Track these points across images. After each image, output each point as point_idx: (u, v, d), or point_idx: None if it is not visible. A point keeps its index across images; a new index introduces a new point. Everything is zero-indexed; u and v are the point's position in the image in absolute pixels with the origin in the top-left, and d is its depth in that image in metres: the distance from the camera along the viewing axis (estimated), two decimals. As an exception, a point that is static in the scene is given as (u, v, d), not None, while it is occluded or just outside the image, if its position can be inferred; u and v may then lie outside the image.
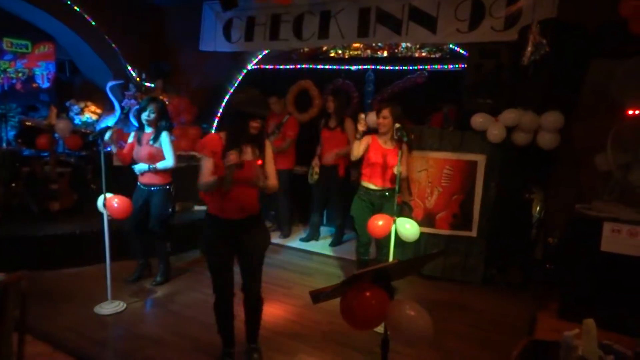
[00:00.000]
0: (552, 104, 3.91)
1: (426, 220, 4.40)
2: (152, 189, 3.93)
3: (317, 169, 5.27)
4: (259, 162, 2.69)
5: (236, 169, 2.49)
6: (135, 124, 4.16)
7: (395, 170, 3.57)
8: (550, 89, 3.88)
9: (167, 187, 3.98)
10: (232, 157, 2.45)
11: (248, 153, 2.63)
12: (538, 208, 4.42)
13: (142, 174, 3.91)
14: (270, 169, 2.76)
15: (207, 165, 2.61)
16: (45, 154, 5.01)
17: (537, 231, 4.43)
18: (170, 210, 4.06)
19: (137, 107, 4.18)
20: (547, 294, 3.87)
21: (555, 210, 4.33)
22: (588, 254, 3.48)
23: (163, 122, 3.88)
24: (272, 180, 2.76)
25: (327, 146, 5.19)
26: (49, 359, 2.94)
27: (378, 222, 3.57)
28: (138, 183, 3.98)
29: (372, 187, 3.83)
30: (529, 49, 3.73)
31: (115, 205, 3.61)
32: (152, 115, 3.81)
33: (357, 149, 3.77)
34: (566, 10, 3.99)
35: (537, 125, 3.97)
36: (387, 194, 3.81)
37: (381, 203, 3.81)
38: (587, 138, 4.09)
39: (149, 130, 3.87)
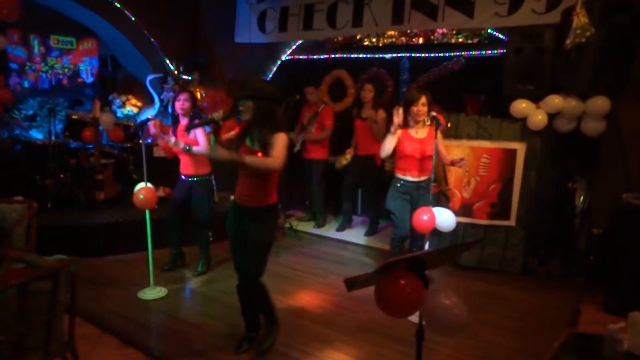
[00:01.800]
0: (598, 88, 3.73)
1: (463, 210, 4.32)
2: (194, 179, 4.02)
3: (348, 156, 5.22)
4: (259, 153, 2.63)
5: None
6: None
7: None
8: (596, 73, 3.70)
9: (208, 177, 4.08)
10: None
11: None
12: (582, 198, 4.25)
13: (183, 162, 3.99)
14: (276, 152, 2.59)
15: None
16: (91, 146, 5.23)
17: (581, 221, 4.26)
18: (211, 200, 4.16)
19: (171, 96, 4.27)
20: (591, 286, 3.74)
21: (600, 200, 4.15)
22: (636, 246, 3.33)
23: (195, 111, 3.97)
24: (270, 160, 2.57)
25: (361, 136, 5.16)
26: (96, 340, 3.10)
27: (423, 217, 3.52)
28: (181, 176, 4.08)
29: (409, 179, 3.73)
30: (573, 31, 3.56)
31: (142, 197, 3.68)
32: (187, 104, 3.91)
33: (390, 145, 3.63)
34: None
35: (582, 111, 3.81)
36: (424, 184, 3.73)
37: (419, 194, 3.74)
38: (636, 124, 3.88)
39: (183, 121, 3.96)
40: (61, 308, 2.28)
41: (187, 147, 3.89)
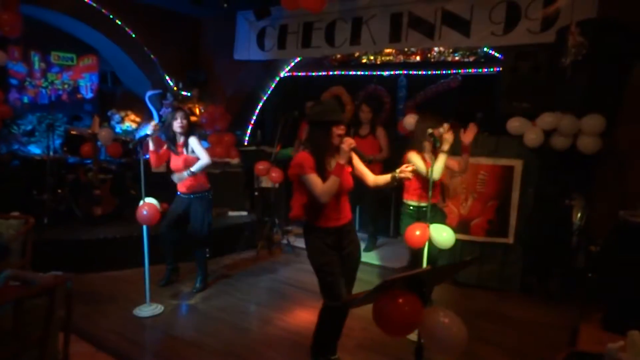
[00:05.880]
0: (593, 106, 3.77)
1: (461, 226, 4.32)
2: (193, 196, 4.01)
3: None
4: (349, 169, 2.76)
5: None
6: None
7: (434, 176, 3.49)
8: (591, 91, 3.75)
9: (207, 193, 4.07)
10: (350, 139, 2.62)
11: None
12: (579, 215, 4.26)
13: (182, 182, 3.97)
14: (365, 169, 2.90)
15: (316, 179, 2.65)
16: (89, 161, 5.23)
17: (578, 239, 4.26)
18: (210, 216, 4.16)
19: (164, 120, 4.28)
20: (590, 304, 3.72)
21: (598, 217, 4.16)
22: (634, 263, 3.33)
23: (190, 128, 3.97)
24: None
25: None
26: (91, 358, 3.05)
27: (415, 232, 3.51)
28: (178, 193, 4.06)
29: (424, 204, 3.63)
30: (568, 50, 3.61)
31: (145, 213, 3.68)
32: (184, 122, 3.90)
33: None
34: (608, 10, 3.86)
35: (577, 128, 3.84)
36: (438, 206, 3.76)
37: (431, 217, 3.63)
38: (632, 142, 3.92)
39: (180, 139, 3.95)
40: (57, 325, 2.25)
41: (189, 172, 3.88)
